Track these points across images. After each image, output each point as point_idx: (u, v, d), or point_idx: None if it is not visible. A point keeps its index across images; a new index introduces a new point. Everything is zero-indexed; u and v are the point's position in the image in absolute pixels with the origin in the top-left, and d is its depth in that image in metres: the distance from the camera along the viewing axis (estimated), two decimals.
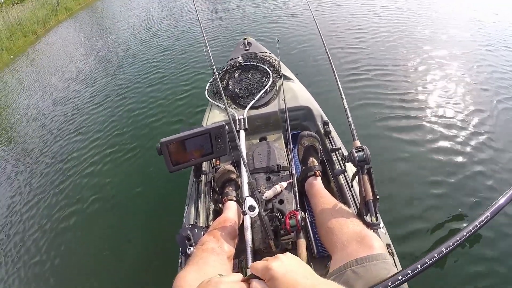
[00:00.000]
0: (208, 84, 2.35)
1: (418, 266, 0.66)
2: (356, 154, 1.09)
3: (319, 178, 1.40)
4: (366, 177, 1.09)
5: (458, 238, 0.72)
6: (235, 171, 1.53)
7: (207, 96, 2.25)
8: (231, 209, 1.35)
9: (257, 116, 1.95)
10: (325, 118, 1.86)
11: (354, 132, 1.28)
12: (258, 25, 5.52)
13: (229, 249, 1.11)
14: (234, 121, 1.78)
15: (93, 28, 9.12)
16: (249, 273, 0.61)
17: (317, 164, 1.47)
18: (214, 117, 2.02)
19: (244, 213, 1.13)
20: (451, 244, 0.70)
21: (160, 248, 2.19)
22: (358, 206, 1.12)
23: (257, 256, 1.22)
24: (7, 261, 2.57)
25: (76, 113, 4.39)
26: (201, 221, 1.45)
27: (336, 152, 1.63)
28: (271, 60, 2.37)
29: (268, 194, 1.40)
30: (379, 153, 2.42)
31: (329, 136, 1.76)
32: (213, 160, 1.77)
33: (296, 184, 1.41)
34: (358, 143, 1.19)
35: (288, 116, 1.78)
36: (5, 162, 4.02)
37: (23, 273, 2.41)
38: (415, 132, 2.63)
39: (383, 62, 3.68)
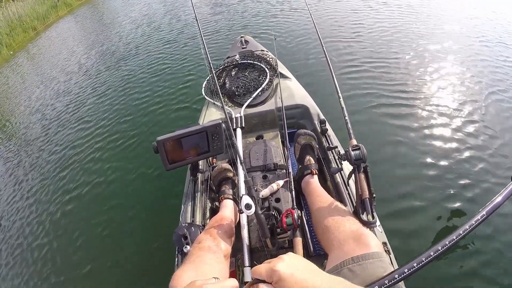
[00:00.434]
0: (205, 82, 2.35)
1: (415, 264, 0.66)
2: (352, 153, 1.09)
3: (315, 177, 1.41)
4: (362, 176, 1.09)
5: (454, 237, 0.72)
6: (231, 170, 1.53)
7: (203, 94, 2.24)
8: (227, 208, 1.35)
9: (254, 114, 1.95)
10: (322, 117, 1.86)
11: (351, 131, 1.28)
12: (255, 23, 5.50)
13: (225, 247, 1.11)
14: (231, 119, 1.78)
15: (94, 23, 9.05)
16: (247, 277, 0.61)
17: (313, 162, 1.47)
18: (211, 115, 2.01)
19: (241, 212, 1.13)
20: (447, 242, 0.71)
21: (157, 246, 2.18)
22: (355, 204, 1.12)
23: (253, 254, 1.22)
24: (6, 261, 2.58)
25: (74, 109, 4.38)
26: (198, 219, 1.45)
27: (333, 150, 1.63)
28: (268, 58, 2.36)
29: (265, 192, 1.40)
30: (376, 143, 2.52)
31: (326, 134, 1.76)
32: (210, 158, 1.77)
33: (292, 183, 1.41)
34: (354, 142, 1.19)
35: (285, 114, 1.77)
36: (7, 152, 4.05)
37: (20, 272, 2.40)
38: (411, 121, 2.71)
39: (380, 57, 3.72)
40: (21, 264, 2.46)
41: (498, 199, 0.89)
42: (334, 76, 1.60)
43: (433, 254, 0.68)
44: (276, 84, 2.12)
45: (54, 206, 2.85)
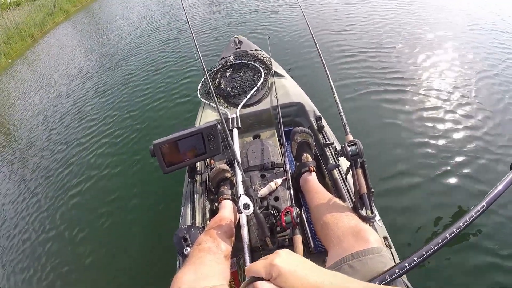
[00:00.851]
0: (200, 84, 2.34)
1: (415, 258, 0.66)
2: (349, 148, 1.09)
3: (313, 174, 1.40)
4: (359, 171, 1.09)
5: (454, 229, 0.72)
6: (229, 170, 1.52)
7: (199, 96, 2.24)
8: (226, 208, 1.34)
9: (249, 114, 1.94)
10: (318, 114, 1.86)
11: (347, 126, 1.28)
12: (248, 22, 5.50)
13: (226, 248, 1.10)
14: (227, 120, 1.78)
15: (90, 29, 9.05)
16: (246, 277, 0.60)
17: (311, 159, 1.47)
18: (207, 117, 2.01)
19: (240, 212, 1.13)
20: (447, 235, 0.70)
21: (158, 249, 2.18)
22: (353, 200, 1.12)
23: (254, 254, 1.22)
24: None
25: (66, 116, 4.38)
26: (198, 221, 1.45)
27: (330, 147, 1.62)
28: (262, 58, 2.36)
29: (263, 191, 1.40)
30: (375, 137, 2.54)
31: (322, 131, 1.76)
32: (207, 159, 1.76)
33: (290, 181, 1.41)
34: (350, 137, 1.19)
35: (280, 112, 1.77)
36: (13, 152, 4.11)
37: (17, 271, 2.43)
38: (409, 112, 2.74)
39: (373, 47, 3.78)
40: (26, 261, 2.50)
41: (499, 188, 0.89)
42: (328, 72, 1.60)
43: (434, 248, 0.68)
44: (271, 83, 2.12)
45: (55, 208, 2.88)
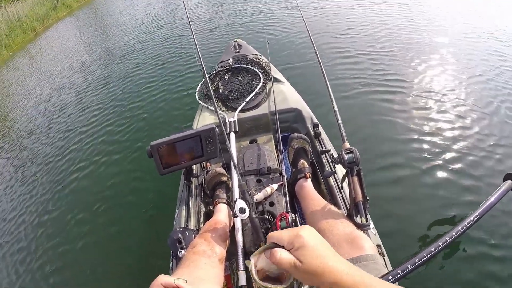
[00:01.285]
0: (199, 87, 2.34)
1: (408, 266, 0.67)
2: (345, 156, 1.10)
3: (309, 180, 1.41)
4: (355, 179, 1.10)
5: (447, 238, 0.73)
6: (225, 174, 1.52)
7: (197, 98, 2.24)
8: (222, 212, 1.35)
9: (247, 118, 1.95)
10: (315, 120, 1.87)
11: (344, 134, 1.29)
12: (248, 27, 5.52)
13: (220, 251, 1.10)
14: (225, 123, 1.78)
15: (92, 25, 9.02)
16: (242, 281, 0.60)
17: (307, 166, 1.48)
18: (205, 119, 2.01)
19: (235, 216, 1.13)
20: (440, 244, 0.71)
21: (152, 251, 2.16)
22: (348, 207, 1.13)
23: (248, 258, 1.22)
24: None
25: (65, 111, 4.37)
26: (192, 224, 1.44)
27: (326, 154, 1.63)
28: (261, 63, 2.37)
29: (259, 196, 1.40)
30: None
31: (319, 138, 1.77)
32: (204, 162, 1.76)
33: (286, 186, 1.41)
34: (347, 145, 1.20)
35: (278, 118, 1.78)
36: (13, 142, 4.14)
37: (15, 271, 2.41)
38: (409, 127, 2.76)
39: (371, 56, 3.81)
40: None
41: (491, 199, 0.90)
42: (326, 79, 1.61)
43: (427, 256, 0.69)
44: (270, 88, 2.13)
45: (46, 205, 2.87)
